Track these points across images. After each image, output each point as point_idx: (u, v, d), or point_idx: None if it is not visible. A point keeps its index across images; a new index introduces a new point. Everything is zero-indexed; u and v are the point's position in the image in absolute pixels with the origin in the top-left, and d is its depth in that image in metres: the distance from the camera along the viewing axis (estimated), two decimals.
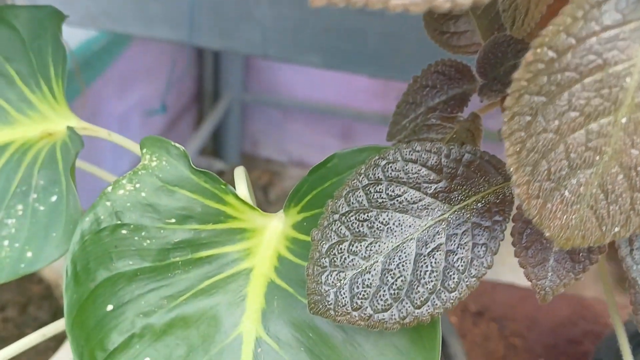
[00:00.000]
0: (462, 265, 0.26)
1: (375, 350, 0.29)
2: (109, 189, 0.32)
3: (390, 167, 0.27)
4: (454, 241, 0.26)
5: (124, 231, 0.32)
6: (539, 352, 0.75)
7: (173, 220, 0.32)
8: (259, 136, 1.18)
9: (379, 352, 0.29)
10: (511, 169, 0.22)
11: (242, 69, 1.09)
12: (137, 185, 0.32)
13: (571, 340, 0.76)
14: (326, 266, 0.27)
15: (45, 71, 0.40)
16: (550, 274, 0.26)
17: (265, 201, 1.25)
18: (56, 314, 0.75)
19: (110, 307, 0.31)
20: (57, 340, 0.71)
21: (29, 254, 0.34)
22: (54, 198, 0.35)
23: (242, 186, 0.35)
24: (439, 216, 0.27)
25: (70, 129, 0.38)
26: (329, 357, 0.30)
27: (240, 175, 0.36)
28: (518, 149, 0.21)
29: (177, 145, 0.33)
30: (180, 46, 1.10)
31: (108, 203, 0.32)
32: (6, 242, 0.35)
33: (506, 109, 0.21)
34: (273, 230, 0.34)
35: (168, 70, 1.12)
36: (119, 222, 0.32)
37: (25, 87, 0.41)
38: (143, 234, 0.32)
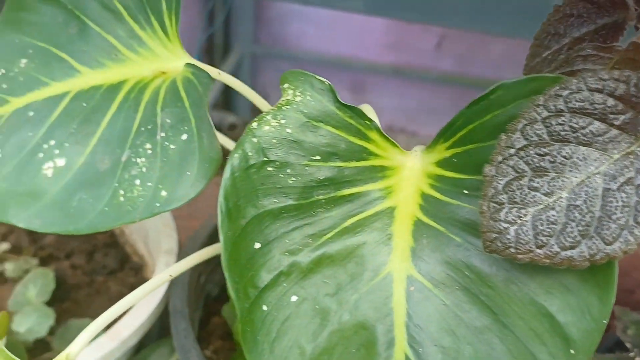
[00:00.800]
0: None
1: (542, 289, 0.28)
2: (254, 124, 0.31)
3: (574, 97, 0.26)
4: None
5: (269, 168, 0.31)
6: None
7: (318, 157, 0.31)
8: (269, 89, 1.16)
9: (546, 291, 0.28)
10: None
11: (253, 21, 1.07)
12: (282, 121, 0.31)
13: (624, 290, 0.76)
14: (504, 203, 0.26)
15: (157, 5, 0.38)
16: None
17: None
18: (122, 262, 0.75)
19: (257, 245, 0.30)
20: (130, 288, 0.71)
21: (164, 193, 0.33)
22: (184, 136, 0.34)
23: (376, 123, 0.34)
24: (626, 149, 0.25)
25: (191, 65, 0.36)
26: (489, 296, 0.29)
27: (370, 112, 0.35)
28: None
29: (322, 79, 0.31)
30: None
31: (255, 139, 0.30)
32: (137, 181, 0.34)
33: None
34: (411, 168, 0.33)
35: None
36: (266, 158, 0.31)
37: (135, 23, 0.39)
38: (288, 171, 0.31)
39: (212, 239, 0.64)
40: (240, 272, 0.30)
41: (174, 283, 0.58)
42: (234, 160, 0.30)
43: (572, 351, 0.28)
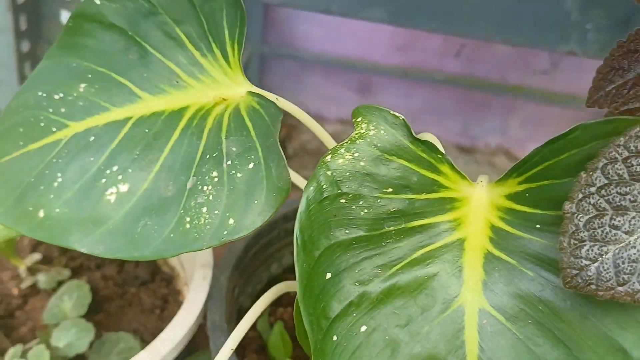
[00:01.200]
0: None
1: (616, 325, 0.29)
2: (329, 157, 0.31)
3: None
4: None
5: (342, 200, 0.31)
6: None
7: (390, 190, 0.32)
8: (276, 90, 1.17)
9: (620, 327, 0.29)
10: None
11: (261, 22, 1.07)
12: (356, 155, 0.31)
13: None
14: (585, 240, 0.26)
15: (219, 34, 0.39)
16: None
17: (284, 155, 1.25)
18: (154, 272, 0.76)
19: (329, 275, 0.31)
20: (162, 300, 0.72)
21: (231, 221, 0.34)
22: (250, 165, 0.34)
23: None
24: None
25: (255, 95, 0.37)
26: (563, 330, 0.29)
27: (435, 141, 0.35)
28: None
29: (396, 113, 0.32)
30: None
31: (329, 172, 0.31)
32: (204, 209, 0.34)
33: None
34: (479, 200, 0.33)
35: None
36: (339, 191, 0.31)
37: (196, 50, 0.39)
38: (360, 203, 0.31)
39: (247, 251, 0.64)
40: (314, 303, 0.30)
41: (211, 297, 0.59)
42: (309, 192, 0.30)
43: None
